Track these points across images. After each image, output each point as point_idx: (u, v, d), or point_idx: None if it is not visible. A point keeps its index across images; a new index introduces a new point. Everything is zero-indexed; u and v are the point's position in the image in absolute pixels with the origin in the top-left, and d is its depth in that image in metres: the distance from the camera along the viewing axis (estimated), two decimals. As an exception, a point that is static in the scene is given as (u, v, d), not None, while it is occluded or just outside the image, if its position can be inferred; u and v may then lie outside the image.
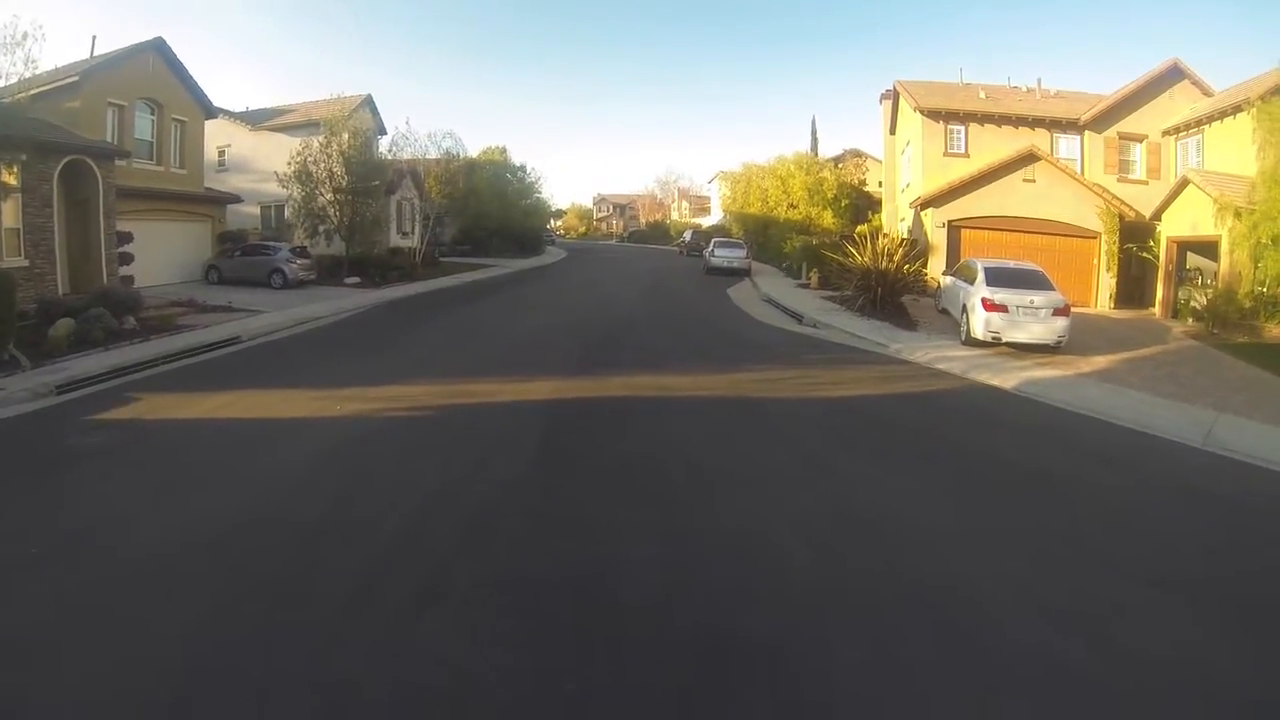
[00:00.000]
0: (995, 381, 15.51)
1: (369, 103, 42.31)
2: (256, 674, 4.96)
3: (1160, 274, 27.87)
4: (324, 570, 6.43)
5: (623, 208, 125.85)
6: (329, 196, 33.90)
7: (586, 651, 5.32)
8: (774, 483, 9.15)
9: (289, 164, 33.52)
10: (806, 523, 7.75)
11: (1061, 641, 5.62)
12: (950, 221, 31.33)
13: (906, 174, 38.38)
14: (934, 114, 33.95)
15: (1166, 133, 31.16)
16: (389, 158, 40.73)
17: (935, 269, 29.50)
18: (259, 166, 38.20)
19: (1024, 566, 6.89)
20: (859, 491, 8.93)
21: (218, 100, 35.16)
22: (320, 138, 34.45)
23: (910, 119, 36.57)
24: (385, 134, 43.21)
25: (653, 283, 38.52)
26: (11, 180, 18.54)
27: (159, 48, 29.80)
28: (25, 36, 16.09)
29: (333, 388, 13.29)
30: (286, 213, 36.89)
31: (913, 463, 10.17)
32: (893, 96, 40.31)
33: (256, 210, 39.44)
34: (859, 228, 39.63)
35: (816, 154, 63.50)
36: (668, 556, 6.88)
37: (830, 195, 52.89)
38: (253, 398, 13.00)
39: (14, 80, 16.37)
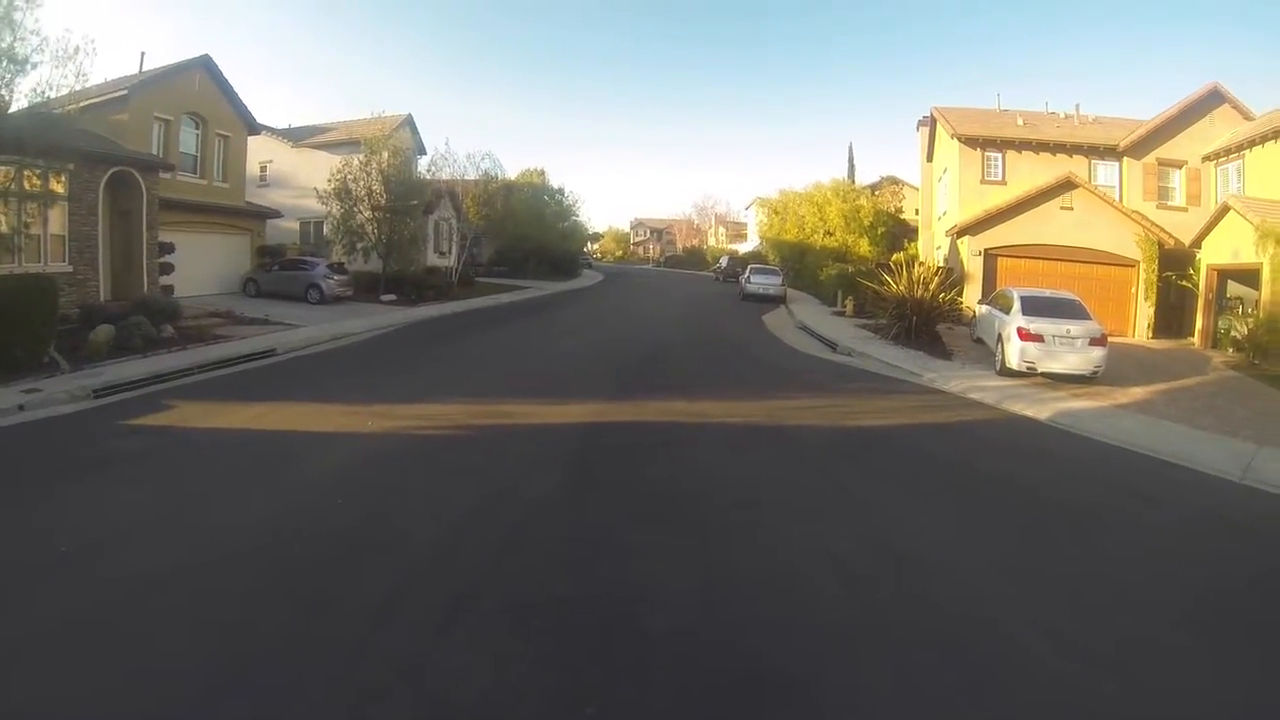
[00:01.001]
0: (1030, 412, 15.32)
1: (409, 122, 42.75)
2: (278, 684, 4.98)
3: (1200, 303, 27.51)
4: (351, 585, 6.45)
5: (660, 232, 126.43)
6: (367, 214, 34.29)
7: (611, 676, 5.29)
8: (806, 512, 9.04)
9: (329, 181, 34.05)
10: (837, 554, 7.64)
11: (1094, 681, 5.50)
12: (986, 250, 31.10)
13: (943, 201, 38.22)
14: (971, 141, 33.80)
15: (1206, 158, 30.84)
16: (428, 177, 41.22)
17: (971, 298, 29.36)
18: (299, 183, 38.75)
19: (1057, 603, 6.75)
20: (891, 523, 8.81)
21: (261, 117, 35.82)
22: (360, 156, 34.94)
23: (947, 146, 36.39)
24: (425, 154, 43.72)
25: (688, 308, 38.59)
26: (59, 189, 19.04)
27: (206, 65, 30.47)
28: (77, 50, 16.36)
29: (366, 404, 13.37)
30: (325, 229, 37.34)
31: (945, 495, 10.03)
32: (930, 123, 40.31)
33: (296, 226, 39.99)
34: (895, 255, 39.42)
35: (854, 181, 63.74)
36: (697, 583, 6.82)
37: (866, 223, 52.91)
38: (286, 410, 13.12)
39: (65, 92, 16.71)
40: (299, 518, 8.06)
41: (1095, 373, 18.00)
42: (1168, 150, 32.09)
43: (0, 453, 10.36)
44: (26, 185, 17.22)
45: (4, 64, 15.72)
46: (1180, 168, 31.98)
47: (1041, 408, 15.49)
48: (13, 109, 16.45)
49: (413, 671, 5.18)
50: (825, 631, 6.08)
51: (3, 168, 16.59)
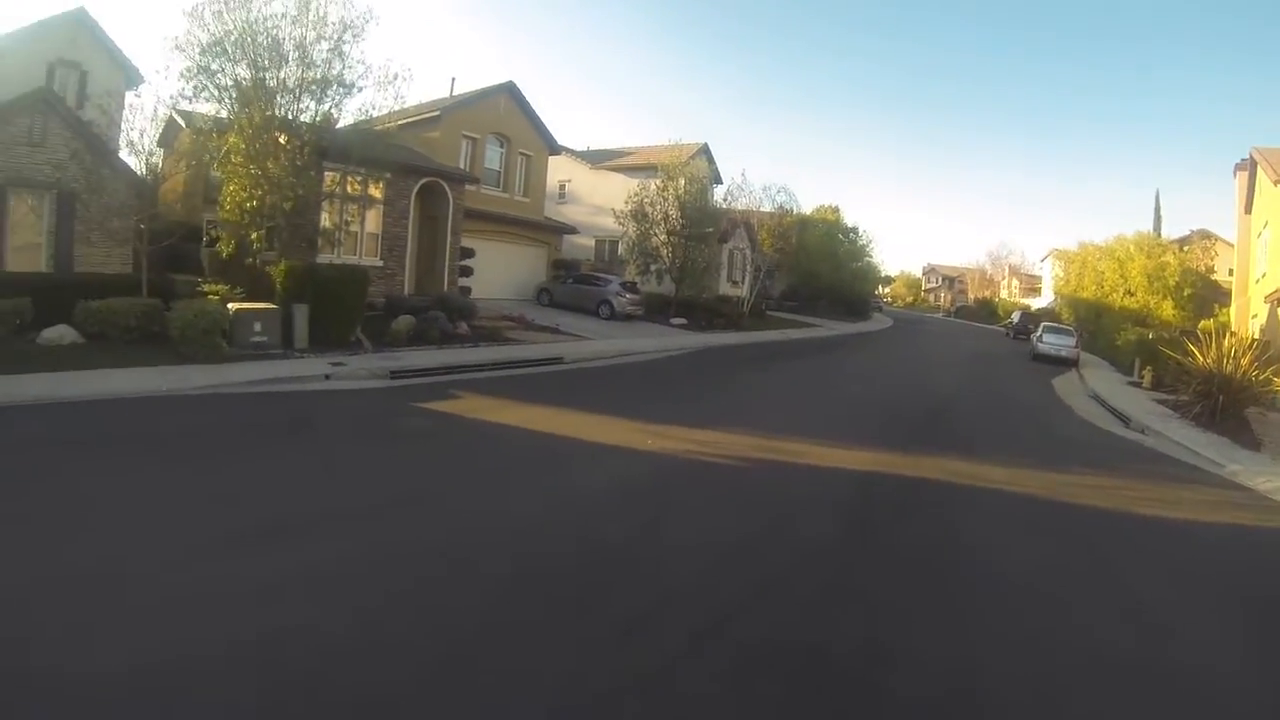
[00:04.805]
0: (1357, 523, 13.42)
1: (705, 151, 43.87)
2: (525, 673, 5.21)
3: None
4: (603, 594, 6.63)
5: (951, 280, 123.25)
6: (662, 238, 35.62)
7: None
8: (1078, 601, 8.13)
9: (626, 203, 35.72)
10: (1109, 655, 6.81)
11: None
12: (1314, 321, 27.49)
13: (1263, 262, 32.80)
14: (1298, 189, 29.15)
15: None
16: (723, 206, 41.97)
17: (1290, 379, 26.30)
18: (595, 202, 40.69)
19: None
20: (1173, 630, 7.72)
21: (561, 138, 38.32)
22: (657, 181, 36.17)
23: (1270, 195, 31.42)
24: (720, 183, 44.69)
25: (977, 363, 37.29)
26: (376, 194, 22.43)
27: (510, 90, 33.62)
28: (396, 77, 19.64)
29: (646, 421, 13.72)
30: (620, 248, 39.01)
31: (1239, 608, 8.66)
32: (1250, 167, 34.82)
33: (590, 242, 41.93)
34: (1202, 323, 35.95)
35: (1159, 234, 58.65)
36: (948, 656, 6.38)
37: (1172, 283, 48.51)
38: (566, 416, 13.76)
39: (385, 112, 20.06)
40: (567, 519, 8.46)
41: None
42: None
43: (305, 412, 12.28)
44: (349, 189, 20.67)
45: (334, 87, 19.07)
46: None
47: (1373, 520, 13.57)
48: (340, 125, 19.93)
49: (647, 684, 5.24)
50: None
51: (330, 174, 20.10)
